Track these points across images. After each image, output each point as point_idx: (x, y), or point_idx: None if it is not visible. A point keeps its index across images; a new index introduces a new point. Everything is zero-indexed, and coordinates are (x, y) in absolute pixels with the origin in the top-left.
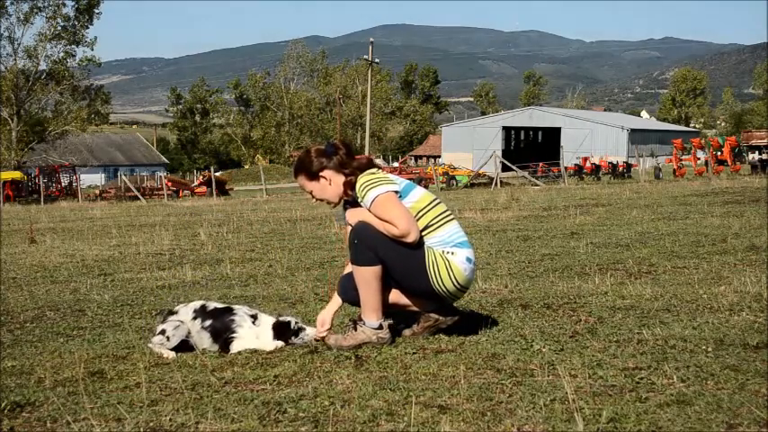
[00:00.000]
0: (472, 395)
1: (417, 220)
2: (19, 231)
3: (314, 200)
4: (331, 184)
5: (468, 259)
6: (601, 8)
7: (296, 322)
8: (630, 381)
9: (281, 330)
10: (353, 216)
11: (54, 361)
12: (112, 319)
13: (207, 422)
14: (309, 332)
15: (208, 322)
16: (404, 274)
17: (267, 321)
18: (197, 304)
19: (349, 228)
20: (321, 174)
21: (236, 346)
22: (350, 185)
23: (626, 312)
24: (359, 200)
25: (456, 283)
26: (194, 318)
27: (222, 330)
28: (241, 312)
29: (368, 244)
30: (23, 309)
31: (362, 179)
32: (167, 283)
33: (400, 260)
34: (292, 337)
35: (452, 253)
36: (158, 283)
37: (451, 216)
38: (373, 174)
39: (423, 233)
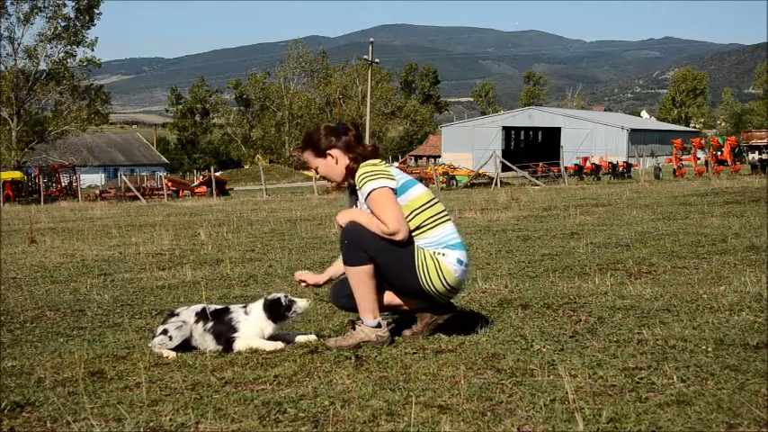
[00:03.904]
0: (472, 395)
1: (410, 219)
2: (19, 231)
3: (317, 176)
4: (337, 163)
5: (460, 261)
6: (601, 8)
7: (285, 296)
8: (630, 381)
9: (273, 308)
10: (344, 217)
11: (54, 361)
12: (112, 319)
13: (207, 422)
14: (301, 304)
15: (210, 324)
16: (394, 274)
17: (257, 307)
18: (198, 307)
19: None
20: (329, 152)
21: (238, 345)
22: (350, 172)
23: (626, 312)
24: (357, 189)
25: (445, 284)
26: (197, 321)
27: (225, 330)
28: (237, 309)
29: (358, 244)
30: (23, 309)
31: (363, 169)
32: (167, 283)
33: (390, 259)
34: (287, 313)
35: (443, 254)
36: (158, 283)
37: (447, 217)
38: (375, 165)
39: (414, 233)
